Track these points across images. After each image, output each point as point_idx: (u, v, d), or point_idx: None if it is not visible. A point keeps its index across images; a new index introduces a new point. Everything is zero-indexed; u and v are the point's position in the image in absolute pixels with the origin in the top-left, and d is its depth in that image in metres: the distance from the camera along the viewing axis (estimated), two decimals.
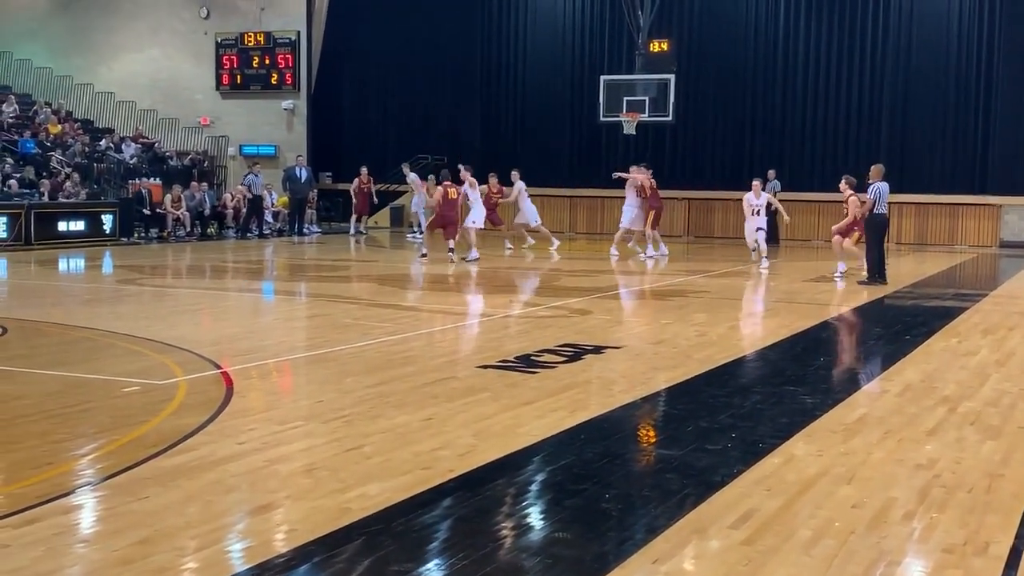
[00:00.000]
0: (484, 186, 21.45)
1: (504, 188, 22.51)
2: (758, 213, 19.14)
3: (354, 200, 26.48)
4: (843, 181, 16.84)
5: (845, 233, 16.81)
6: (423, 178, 24.33)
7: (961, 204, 25.70)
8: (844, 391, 7.74)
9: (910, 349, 9.87)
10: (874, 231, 15.91)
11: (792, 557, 4.30)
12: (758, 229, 19.03)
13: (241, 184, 26.36)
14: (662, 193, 25.45)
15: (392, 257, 20.85)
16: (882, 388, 7.90)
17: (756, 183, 19.52)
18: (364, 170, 26.37)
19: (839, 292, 15.14)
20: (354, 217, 26.37)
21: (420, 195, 24.27)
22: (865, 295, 14.68)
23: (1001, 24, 25.42)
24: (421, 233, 24.01)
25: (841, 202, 17.28)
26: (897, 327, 11.83)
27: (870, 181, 15.82)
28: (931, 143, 25.88)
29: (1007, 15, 25.28)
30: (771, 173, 25.16)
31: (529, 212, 22.19)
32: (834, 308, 13.17)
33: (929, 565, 4.29)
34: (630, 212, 20.82)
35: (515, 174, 22.38)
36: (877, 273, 15.87)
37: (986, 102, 25.70)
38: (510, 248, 21.73)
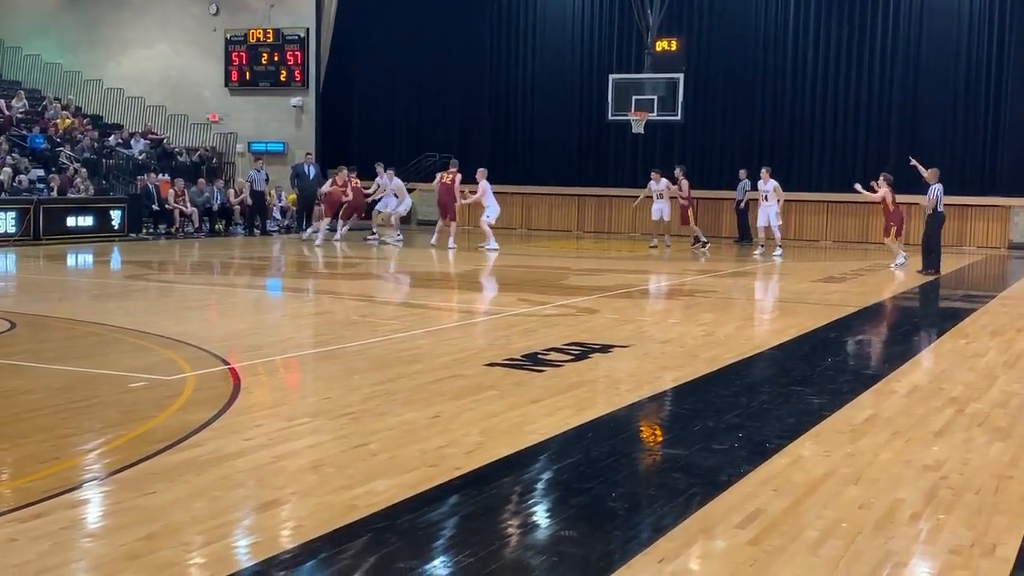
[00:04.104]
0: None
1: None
2: (766, 198, 21.15)
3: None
4: (882, 179, 18.47)
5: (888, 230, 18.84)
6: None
7: (970, 205, 25.62)
8: (851, 392, 7.72)
9: (918, 350, 9.85)
10: (935, 228, 17.97)
11: (799, 558, 4.29)
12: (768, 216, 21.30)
13: (242, 179, 26.37)
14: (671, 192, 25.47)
15: (400, 255, 20.85)
16: (890, 389, 7.88)
17: (765, 170, 21.57)
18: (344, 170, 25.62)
19: (848, 292, 15.11)
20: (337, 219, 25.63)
21: (390, 196, 24.01)
22: (872, 296, 14.65)
23: (1011, 26, 25.34)
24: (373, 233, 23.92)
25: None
26: (905, 328, 11.82)
27: (929, 183, 17.76)
28: (940, 144, 25.79)
29: (1017, 17, 25.20)
30: (742, 173, 25.37)
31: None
32: (842, 309, 13.14)
33: (936, 566, 4.28)
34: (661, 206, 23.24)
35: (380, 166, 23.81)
36: (931, 264, 17.79)
37: (995, 104, 25.64)
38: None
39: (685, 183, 23.02)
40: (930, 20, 26.08)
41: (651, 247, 23.26)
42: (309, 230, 23.40)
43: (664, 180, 23.09)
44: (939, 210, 17.87)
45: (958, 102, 25.88)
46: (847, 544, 4.44)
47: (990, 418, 6.93)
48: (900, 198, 25.13)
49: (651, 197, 23.31)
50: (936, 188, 17.72)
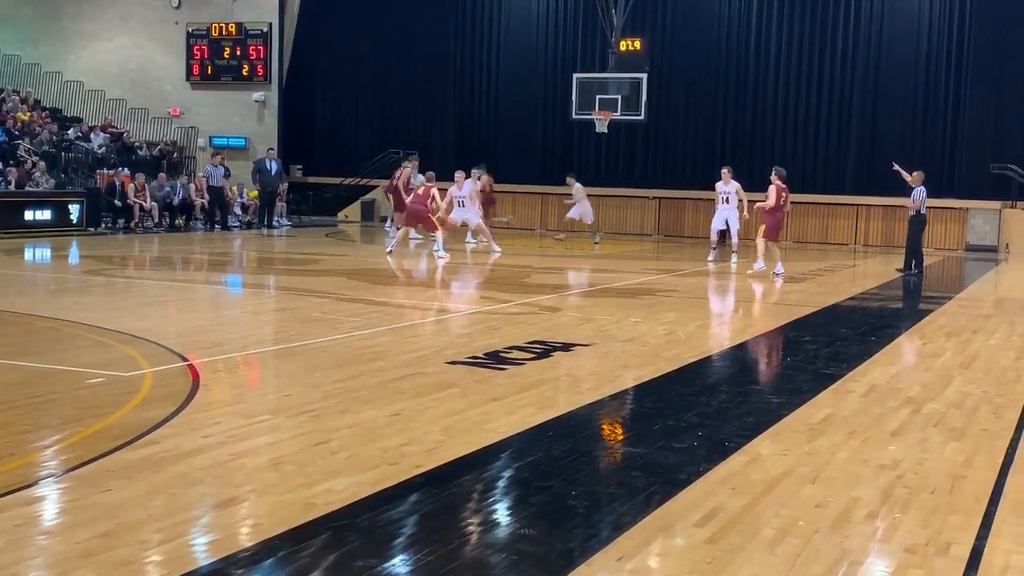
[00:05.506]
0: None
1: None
2: (727, 201, 19.71)
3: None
4: (774, 173, 17.27)
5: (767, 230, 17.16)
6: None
7: (928, 207, 25.86)
8: (810, 391, 7.79)
9: (876, 350, 9.95)
10: (917, 230, 18.23)
11: (756, 556, 4.32)
12: (727, 220, 19.80)
13: (200, 175, 26.20)
14: (634, 191, 25.79)
15: (363, 251, 20.78)
16: (847, 389, 7.95)
17: (726, 170, 20.04)
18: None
19: (807, 293, 15.23)
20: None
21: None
22: (831, 296, 14.78)
23: (970, 30, 25.66)
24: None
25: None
26: (863, 328, 11.93)
27: (913, 185, 17.86)
28: (900, 146, 26.02)
29: (976, 21, 25.53)
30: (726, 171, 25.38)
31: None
32: (802, 308, 13.24)
33: (891, 565, 4.33)
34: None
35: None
36: (916, 266, 18.04)
37: (954, 108, 25.98)
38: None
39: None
40: (891, 22, 26.37)
41: (557, 239, 24.57)
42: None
43: (577, 184, 23.67)
44: (922, 212, 18.15)
45: (917, 105, 26.18)
46: (804, 542, 4.48)
47: (945, 418, 7.01)
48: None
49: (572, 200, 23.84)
50: (920, 191, 17.91)
